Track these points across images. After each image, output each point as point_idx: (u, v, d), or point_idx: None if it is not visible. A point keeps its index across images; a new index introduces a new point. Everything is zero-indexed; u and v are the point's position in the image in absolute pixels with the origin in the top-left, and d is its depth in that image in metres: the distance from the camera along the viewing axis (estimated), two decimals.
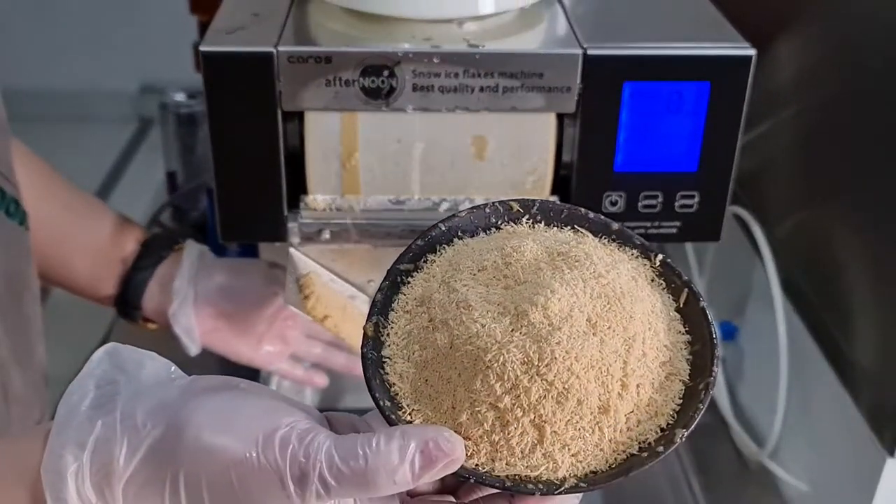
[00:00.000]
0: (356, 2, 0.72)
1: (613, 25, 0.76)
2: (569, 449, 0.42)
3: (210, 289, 0.87)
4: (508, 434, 0.42)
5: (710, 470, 0.92)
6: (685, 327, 0.46)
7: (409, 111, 0.71)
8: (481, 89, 0.70)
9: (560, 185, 0.74)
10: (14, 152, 0.78)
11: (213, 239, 1.07)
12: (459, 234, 0.49)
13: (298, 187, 0.74)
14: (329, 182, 0.74)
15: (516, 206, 0.49)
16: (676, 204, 0.75)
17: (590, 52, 0.70)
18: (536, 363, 0.41)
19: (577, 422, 0.42)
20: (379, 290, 0.47)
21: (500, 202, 0.50)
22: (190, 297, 0.85)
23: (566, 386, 0.41)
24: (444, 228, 0.49)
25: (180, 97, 1.35)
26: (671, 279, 0.48)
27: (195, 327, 0.86)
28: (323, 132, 0.72)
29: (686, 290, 0.47)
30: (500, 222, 0.50)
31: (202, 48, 0.69)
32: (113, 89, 3.45)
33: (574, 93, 0.71)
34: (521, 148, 0.73)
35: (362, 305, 0.85)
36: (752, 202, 0.97)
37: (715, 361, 0.44)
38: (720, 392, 0.99)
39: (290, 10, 0.75)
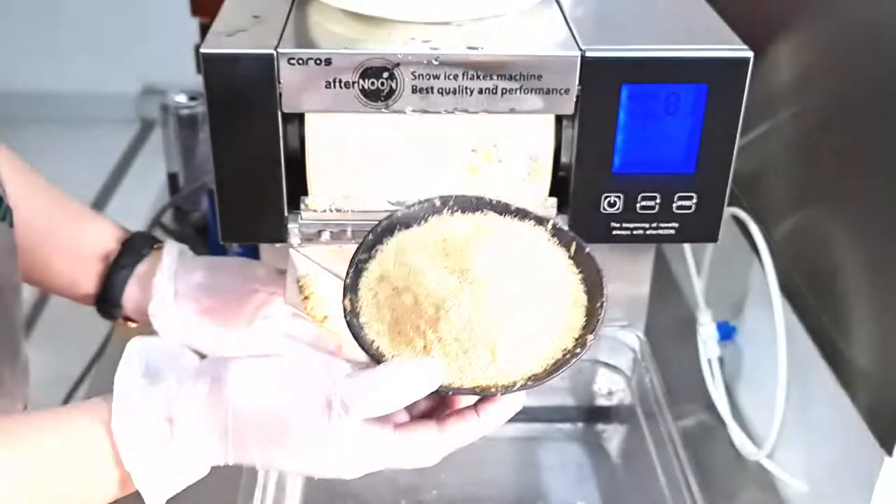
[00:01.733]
0: (356, 4, 0.72)
1: (611, 28, 0.76)
2: (514, 361, 0.56)
3: (190, 286, 0.87)
4: (469, 358, 0.55)
5: (709, 470, 0.92)
6: (578, 269, 0.61)
7: (408, 113, 0.71)
8: (480, 91, 0.70)
9: (558, 186, 0.75)
10: None
11: (214, 240, 1.08)
12: (398, 226, 0.62)
13: (299, 188, 0.74)
14: (329, 183, 0.74)
15: (438, 202, 0.63)
16: (674, 205, 0.75)
17: (588, 54, 0.70)
18: (484, 303, 0.55)
19: (517, 341, 0.56)
20: (347, 275, 0.61)
21: (426, 200, 0.63)
22: (170, 294, 0.85)
23: (506, 317, 0.55)
24: (385, 224, 0.62)
25: (181, 99, 1.35)
26: (562, 237, 0.62)
27: (176, 324, 0.86)
28: (323, 134, 0.72)
29: (574, 242, 0.62)
30: (427, 216, 0.63)
31: (203, 50, 0.69)
32: (115, 91, 3.46)
33: (572, 95, 0.71)
34: (519, 150, 0.73)
35: None
36: (751, 203, 0.97)
37: (603, 289, 0.59)
38: (718, 392, 0.99)
39: (290, 12, 0.76)
